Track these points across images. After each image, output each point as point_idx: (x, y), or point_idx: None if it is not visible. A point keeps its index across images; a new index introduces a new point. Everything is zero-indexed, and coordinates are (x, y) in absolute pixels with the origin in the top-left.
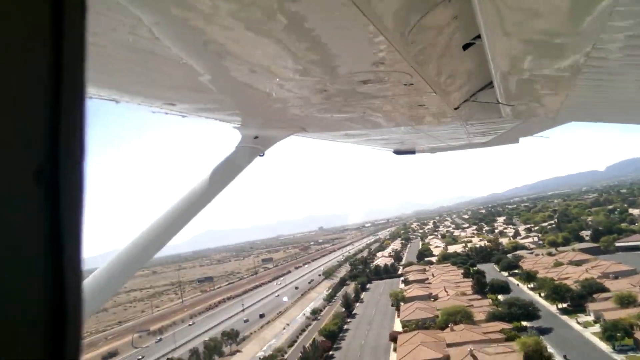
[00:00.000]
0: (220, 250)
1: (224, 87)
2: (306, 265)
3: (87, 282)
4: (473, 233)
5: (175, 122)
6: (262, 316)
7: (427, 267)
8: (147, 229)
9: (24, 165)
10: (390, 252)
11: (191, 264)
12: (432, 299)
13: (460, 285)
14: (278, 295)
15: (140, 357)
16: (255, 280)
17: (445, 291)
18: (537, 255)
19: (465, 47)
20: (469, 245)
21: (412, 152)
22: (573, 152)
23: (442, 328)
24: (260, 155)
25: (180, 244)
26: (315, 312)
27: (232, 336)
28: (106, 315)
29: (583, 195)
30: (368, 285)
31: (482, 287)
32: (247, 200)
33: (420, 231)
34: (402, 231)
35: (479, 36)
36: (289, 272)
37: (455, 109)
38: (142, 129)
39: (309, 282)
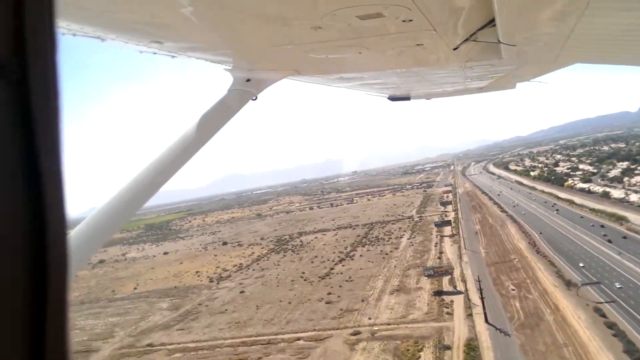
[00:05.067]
0: (278, 192)
1: (212, 23)
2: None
3: (75, 234)
4: None
5: (166, 64)
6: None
7: None
8: (138, 175)
9: None
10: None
11: (287, 205)
12: None
13: None
14: None
15: None
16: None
17: None
18: None
19: None
20: None
21: (407, 98)
22: (597, 94)
23: None
24: (252, 100)
25: (199, 187)
26: None
27: None
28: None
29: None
30: None
31: None
32: (263, 145)
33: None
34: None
35: None
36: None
37: (455, 49)
38: (131, 71)
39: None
